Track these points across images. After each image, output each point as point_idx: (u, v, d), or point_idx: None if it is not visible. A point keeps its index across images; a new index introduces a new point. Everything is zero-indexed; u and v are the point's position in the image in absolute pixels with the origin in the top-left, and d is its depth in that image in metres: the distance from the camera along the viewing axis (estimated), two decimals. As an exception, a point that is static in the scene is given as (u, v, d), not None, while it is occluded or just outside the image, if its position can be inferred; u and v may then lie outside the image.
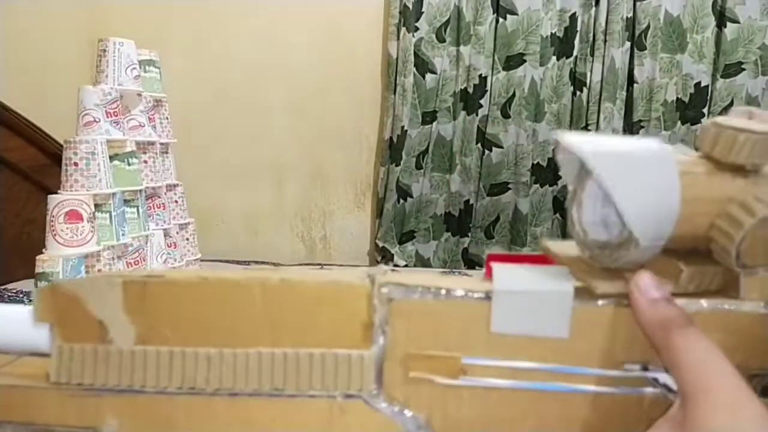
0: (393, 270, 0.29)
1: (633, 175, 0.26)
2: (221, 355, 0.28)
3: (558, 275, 0.28)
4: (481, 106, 1.95)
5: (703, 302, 0.28)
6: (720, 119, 0.28)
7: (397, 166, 1.94)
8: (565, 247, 0.31)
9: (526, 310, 0.27)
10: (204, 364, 0.28)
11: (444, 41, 1.91)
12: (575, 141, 0.28)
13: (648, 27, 1.92)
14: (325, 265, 1.93)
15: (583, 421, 0.28)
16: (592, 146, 0.27)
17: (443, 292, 0.28)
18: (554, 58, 1.94)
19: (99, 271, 1.16)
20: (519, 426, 0.28)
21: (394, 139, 1.92)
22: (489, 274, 0.28)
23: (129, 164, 1.28)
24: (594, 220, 0.29)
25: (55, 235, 1.13)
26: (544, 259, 0.30)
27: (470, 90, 1.94)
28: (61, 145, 1.21)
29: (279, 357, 0.28)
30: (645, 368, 0.28)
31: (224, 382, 0.28)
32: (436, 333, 0.28)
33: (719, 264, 0.28)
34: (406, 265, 1.99)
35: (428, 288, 0.28)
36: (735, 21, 1.93)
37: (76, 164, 1.18)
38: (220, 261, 1.81)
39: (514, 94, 1.95)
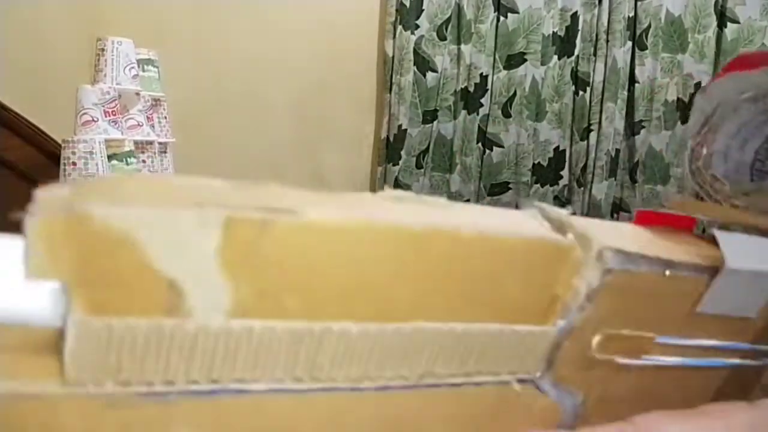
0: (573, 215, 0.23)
1: None
2: (365, 333, 0.19)
3: None
4: (481, 105, 1.94)
5: None
6: None
7: (394, 165, 1.93)
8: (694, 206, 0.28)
9: (742, 290, 0.25)
10: (339, 345, 0.19)
11: (445, 39, 1.90)
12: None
13: (649, 26, 1.92)
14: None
15: (741, 394, 0.27)
16: None
17: (669, 265, 0.23)
18: (555, 57, 1.93)
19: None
20: (690, 396, 0.25)
21: (391, 139, 1.91)
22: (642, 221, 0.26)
23: (127, 164, 1.27)
24: (724, 173, 0.28)
25: (53, 235, 1.12)
26: (685, 220, 0.28)
27: (471, 89, 1.93)
28: (60, 145, 1.20)
29: (445, 334, 0.20)
30: None
31: (362, 366, 0.20)
32: (637, 310, 0.23)
33: None
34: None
35: (652, 259, 0.23)
36: (735, 21, 1.93)
37: (74, 164, 1.17)
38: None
39: (515, 94, 1.94)
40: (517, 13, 1.90)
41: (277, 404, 0.19)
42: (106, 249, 0.16)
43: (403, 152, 1.93)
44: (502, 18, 1.90)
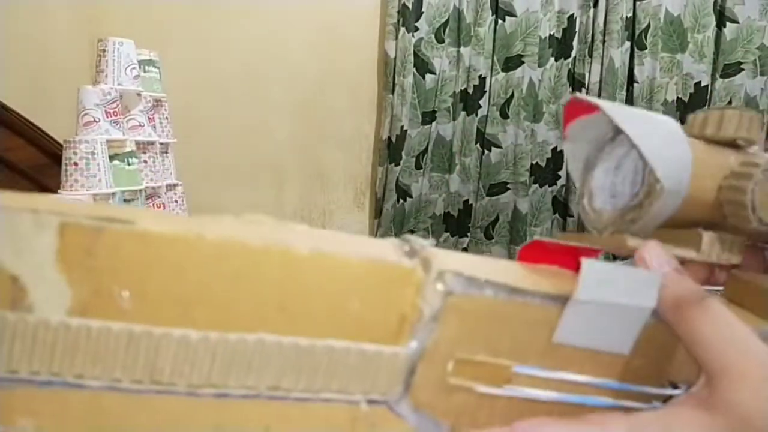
0: (431, 246, 0.23)
1: (649, 121, 0.27)
2: (205, 340, 0.20)
3: (646, 284, 0.25)
4: (480, 106, 1.95)
5: None
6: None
7: (396, 166, 1.94)
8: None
9: (598, 322, 0.24)
10: (179, 351, 0.20)
11: (443, 42, 1.91)
12: (595, 99, 0.28)
13: (648, 26, 1.92)
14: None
15: None
16: (612, 103, 0.28)
17: (515, 292, 0.23)
18: (552, 59, 1.94)
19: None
20: None
21: (393, 139, 1.92)
22: (526, 258, 0.26)
23: (129, 164, 1.28)
24: (604, 206, 0.29)
25: (54, 234, 1.13)
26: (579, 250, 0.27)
27: (470, 90, 1.94)
28: (61, 145, 1.21)
29: (289, 347, 0.21)
30: (675, 386, 0.26)
31: (204, 374, 0.20)
32: (489, 336, 0.23)
33: (736, 233, 0.28)
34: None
35: (499, 285, 0.23)
36: (734, 21, 1.93)
37: (75, 164, 1.18)
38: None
39: (512, 95, 1.95)
40: (515, 16, 1.91)
41: (115, 402, 0.20)
42: None
43: (403, 152, 1.94)
44: (500, 21, 1.91)
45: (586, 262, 0.24)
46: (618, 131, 0.29)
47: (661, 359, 0.26)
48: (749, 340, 0.23)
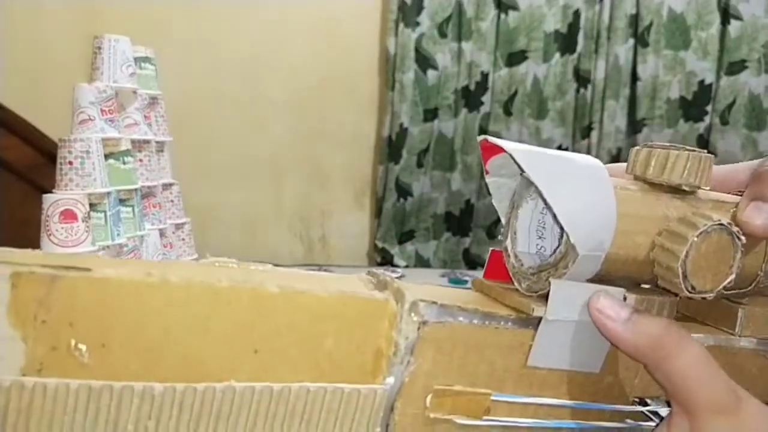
0: (396, 276, 0.24)
1: (568, 178, 0.25)
2: (172, 392, 0.19)
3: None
4: (482, 103, 1.93)
5: (711, 338, 0.27)
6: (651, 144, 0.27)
7: (396, 164, 1.92)
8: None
9: (569, 342, 0.24)
10: (144, 405, 0.19)
11: (445, 37, 1.88)
12: (508, 144, 0.25)
13: (651, 24, 1.90)
14: (323, 266, 1.91)
15: None
16: (526, 148, 0.25)
17: (488, 317, 0.23)
18: (557, 54, 1.92)
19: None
20: None
21: (393, 137, 1.90)
22: (490, 273, 0.26)
23: (124, 163, 1.26)
24: (528, 250, 0.27)
25: (49, 235, 1.10)
26: None
27: (472, 87, 1.91)
28: (56, 144, 1.19)
29: (261, 393, 0.20)
30: (644, 403, 0.26)
31: (172, 429, 0.19)
32: (465, 365, 0.23)
33: (667, 295, 0.26)
34: (406, 266, 1.97)
35: (470, 311, 0.23)
36: (739, 18, 1.91)
37: (70, 163, 1.16)
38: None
39: (516, 92, 1.93)
40: (518, 10, 1.88)
41: None
42: None
43: (404, 151, 1.92)
44: (503, 15, 1.89)
45: (554, 283, 0.24)
46: None
47: (629, 376, 0.26)
48: (719, 376, 0.24)
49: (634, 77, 1.94)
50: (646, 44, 1.91)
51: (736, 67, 1.93)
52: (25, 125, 1.63)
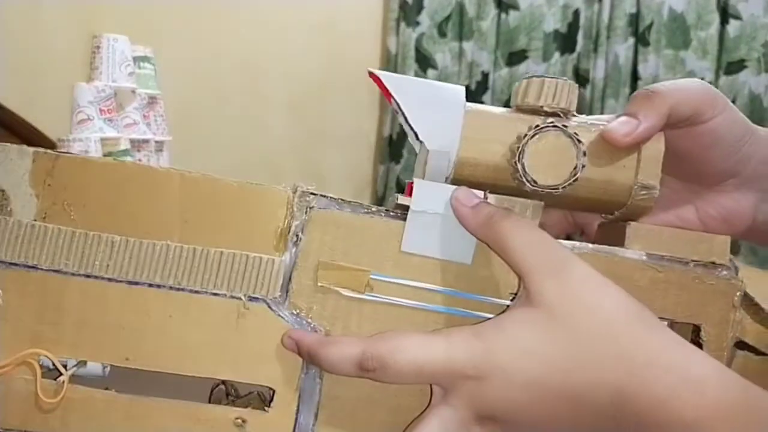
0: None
1: (422, 90, 0.30)
2: (126, 243, 0.28)
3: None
4: (483, 103, 1.93)
5: (589, 245, 0.30)
6: None
7: (397, 164, 1.92)
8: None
9: (437, 232, 0.29)
10: (106, 250, 0.28)
11: (446, 36, 1.88)
12: (381, 73, 0.30)
13: (652, 23, 1.90)
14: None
15: None
16: (396, 75, 0.30)
17: (363, 207, 0.29)
18: (557, 54, 1.92)
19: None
20: None
21: (394, 137, 1.90)
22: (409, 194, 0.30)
23: (124, 163, 1.26)
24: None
25: (47, 236, 1.10)
26: None
27: (472, 87, 1.91)
28: (55, 144, 1.18)
29: (187, 252, 0.28)
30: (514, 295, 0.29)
31: (124, 269, 0.28)
32: (348, 246, 0.29)
33: (528, 198, 0.30)
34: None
35: (348, 201, 0.29)
36: (738, 18, 1.91)
37: (69, 163, 1.15)
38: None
39: (516, 91, 1.93)
40: (519, 9, 1.88)
41: (56, 282, 0.28)
42: None
43: (405, 150, 1.92)
44: (503, 15, 1.89)
45: (416, 181, 0.29)
46: None
47: (504, 272, 0.29)
48: (547, 241, 0.27)
49: (635, 76, 1.94)
50: (647, 43, 1.91)
51: (735, 67, 1.93)
52: (24, 125, 1.62)
